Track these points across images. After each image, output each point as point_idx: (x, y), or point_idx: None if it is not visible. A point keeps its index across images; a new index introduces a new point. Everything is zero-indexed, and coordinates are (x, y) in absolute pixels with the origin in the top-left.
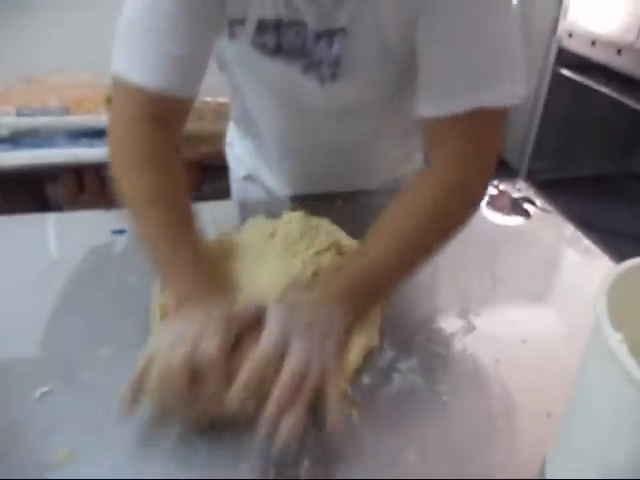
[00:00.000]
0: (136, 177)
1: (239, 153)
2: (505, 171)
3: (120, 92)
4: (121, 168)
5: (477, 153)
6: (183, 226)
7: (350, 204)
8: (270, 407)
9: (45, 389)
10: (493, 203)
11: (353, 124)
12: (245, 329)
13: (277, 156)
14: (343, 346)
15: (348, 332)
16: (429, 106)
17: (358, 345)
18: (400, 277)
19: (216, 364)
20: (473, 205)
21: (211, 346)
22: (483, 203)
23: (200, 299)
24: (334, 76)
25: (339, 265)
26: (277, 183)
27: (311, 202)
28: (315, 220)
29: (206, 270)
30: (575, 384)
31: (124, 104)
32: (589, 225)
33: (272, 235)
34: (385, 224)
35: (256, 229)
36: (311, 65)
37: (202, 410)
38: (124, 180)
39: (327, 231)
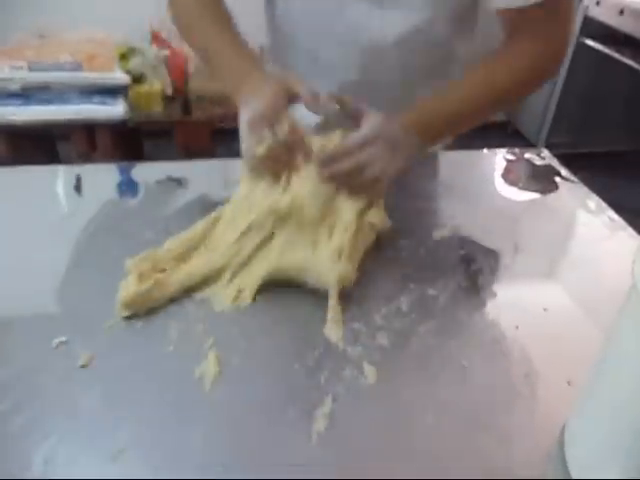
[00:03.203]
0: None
1: None
2: (521, 144)
3: None
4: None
5: (555, 34)
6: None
7: None
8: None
9: (62, 339)
10: (515, 172)
11: (401, 58)
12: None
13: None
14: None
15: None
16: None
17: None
18: (479, 113)
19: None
20: (551, 75)
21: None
22: (502, 171)
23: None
24: None
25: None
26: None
27: None
28: None
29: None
30: (605, 349)
31: None
32: (606, 202)
33: None
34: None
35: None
36: None
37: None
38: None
39: None
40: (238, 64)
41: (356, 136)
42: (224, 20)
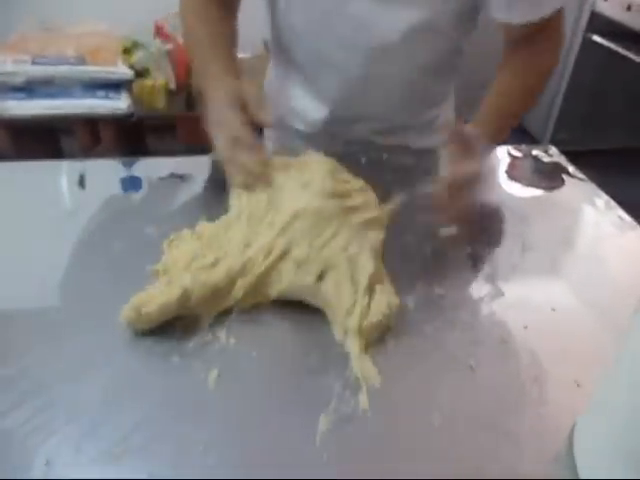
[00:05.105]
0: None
1: (274, 96)
2: (526, 141)
3: None
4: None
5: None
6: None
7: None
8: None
9: (64, 335)
10: (520, 168)
11: (405, 55)
12: None
13: (314, 95)
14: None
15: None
16: (521, 12)
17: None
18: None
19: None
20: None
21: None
22: (507, 167)
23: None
24: None
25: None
26: (309, 126)
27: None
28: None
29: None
30: (619, 349)
31: None
32: (612, 200)
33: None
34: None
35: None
36: None
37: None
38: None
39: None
40: (216, 70)
41: (466, 168)
42: (223, 47)
